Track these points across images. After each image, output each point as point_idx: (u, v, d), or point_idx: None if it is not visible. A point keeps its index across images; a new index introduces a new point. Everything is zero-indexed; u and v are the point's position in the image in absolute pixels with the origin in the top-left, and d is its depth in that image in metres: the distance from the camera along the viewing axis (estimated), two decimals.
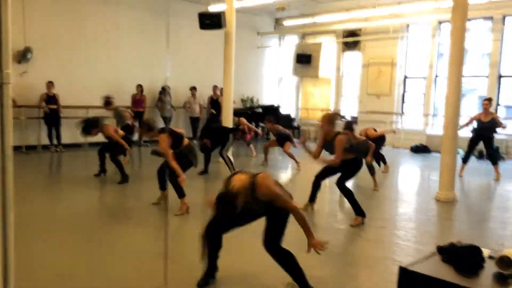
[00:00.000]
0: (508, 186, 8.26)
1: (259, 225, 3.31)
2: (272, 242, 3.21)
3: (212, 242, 3.30)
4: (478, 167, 10.33)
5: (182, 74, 13.15)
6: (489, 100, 8.70)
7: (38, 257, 4.05)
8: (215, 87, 13.20)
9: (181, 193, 5.51)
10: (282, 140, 9.42)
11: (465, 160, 8.82)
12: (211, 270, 3.41)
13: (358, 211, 5.41)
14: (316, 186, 5.90)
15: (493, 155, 8.59)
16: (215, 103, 13.20)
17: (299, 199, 6.13)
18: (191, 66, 13.41)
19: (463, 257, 1.57)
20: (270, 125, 9.53)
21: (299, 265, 3.24)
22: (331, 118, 5.47)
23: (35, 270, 3.74)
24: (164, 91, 12.50)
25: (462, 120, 7.96)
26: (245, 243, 4.16)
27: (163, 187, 5.77)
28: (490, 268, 1.60)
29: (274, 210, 3.19)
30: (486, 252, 1.69)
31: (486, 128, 8.56)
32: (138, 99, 12.13)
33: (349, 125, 7.48)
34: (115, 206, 6.30)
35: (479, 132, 8.67)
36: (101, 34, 11.75)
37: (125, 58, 12.15)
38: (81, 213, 5.63)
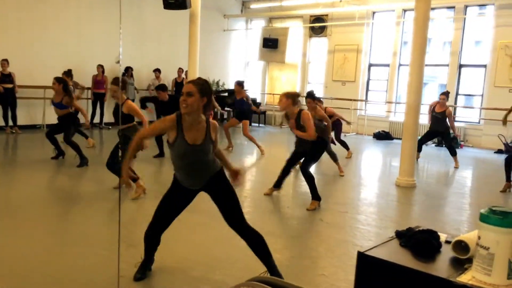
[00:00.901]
0: (465, 173, 8.54)
1: (197, 219, 3.24)
2: (237, 220, 3.15)
3: (152, 239, 3.28)
4: (437, 154, 10.64)
5: (145, 56, 12.83)
6: (446, 94, 8.84)
7: None
8: (180, 70, 12.95)
9: (132, 178, 5.30)
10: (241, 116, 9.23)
11: (418, 148, 8.85)
12: (148, 262, 3.36)
13: (315, 195, 5.47)
14: (285, 171, 5.88)
15: (451, 147, 8.81)
16: (179, 86, 12.96)
17: (268, 184, 6.13)
18: (155, 48, 13.09)
19: (420, 242, 1.57)
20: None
21: (267, 245, 3.19)
22: (294, 97, 5.37)
23: None
24: (127, 72, 12.15)
25: (424, 108, 8.14)
26: (181, 236, 4.09)
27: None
28: (446, 253, 1.60)
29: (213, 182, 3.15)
30: (443, 236, 1.69)
31: (437, 119, 8.69)
32: (99, 80, 11.75)
33: (311, 94, 6.65)
34: (72, 191, 6.09)
35: (433, 126, 8.82)
36: (61, 11, 11.25)
37: (85, 37, 11.69)
38: (36, 198, 5.41)
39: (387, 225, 5.12)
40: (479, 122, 11.56)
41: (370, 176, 8.22)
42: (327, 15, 13.99)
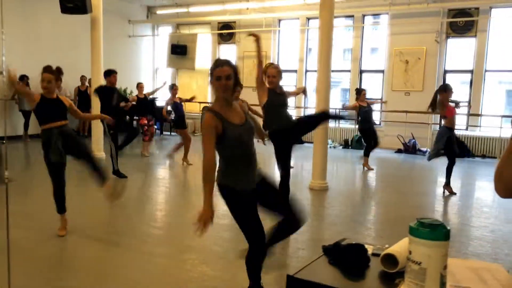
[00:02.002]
0: (371, 173, 9.01)
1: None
2: (285, 205, 3.04)
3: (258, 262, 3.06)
4: (344, 155, 11.15)
5: (42, 63, 11.77)
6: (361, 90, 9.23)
7: None
8: (83, 77, 12.19)
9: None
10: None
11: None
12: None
13: None
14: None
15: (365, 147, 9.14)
16: (83, 95, 12.20)
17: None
18: (53, 55, 12.15)
19: (348, 258, 1.52)
20: None
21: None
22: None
23: None
24: (22, 80, 11.13)
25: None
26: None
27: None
28: (375, 267, 1.57)
29: None
30: (370, 248, 1.67)
31: (365, 112, 8.94)
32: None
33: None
34: None
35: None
36: None
37: None
38: None
39: (304, 229, 5.13)
40: (380, 124, 12.31)
41: None
42: (235, 22, 14.07)
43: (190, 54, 14.53)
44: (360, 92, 9.11)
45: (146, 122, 10.13)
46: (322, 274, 1.49)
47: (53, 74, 4.62)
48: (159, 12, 14.90)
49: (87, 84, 12.09)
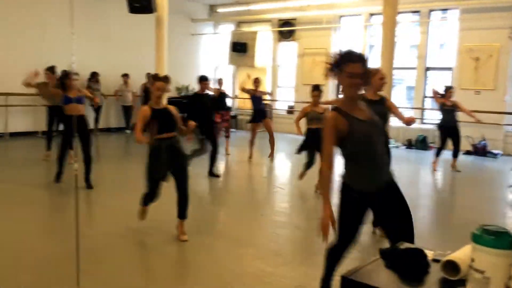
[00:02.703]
0: (437, 175, 8.64)
1: None
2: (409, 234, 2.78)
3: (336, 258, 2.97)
4: (407, 156, 10.77)
5: (112, 61, 12.48)
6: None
7: None
8: (148, 75, 12.67)
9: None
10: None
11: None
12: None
13: None
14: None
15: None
16: (148, 91, 12.68)
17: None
18: (122, 52, 12.74)
19: (407, 262, 1.47)
20: None
21: None
22: None
23: None
24: (93, 77, 11.79)
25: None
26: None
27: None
28: (435, 273, 1.51)
29: None
30: (430, 254, 1.60)
31: (447, 111, 8.47)
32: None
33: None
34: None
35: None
36: (20, 17, 10.79)
37: (48, 42, 11.24)
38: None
39: (363, 231, 5.07)
40: None
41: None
42: (295, 19, 14.01)
43: (250, 51, 14.65)
44: (448, 90, 8.61)
45: (219, 120, 9.50)
46: (377, 277, 1.45)
47: (166, 82, 4.44)
48: (220, 10, 15.15)
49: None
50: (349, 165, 2.73)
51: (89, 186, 6.07)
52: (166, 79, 4.47)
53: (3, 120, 10.59)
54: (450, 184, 8.04)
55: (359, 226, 2.76)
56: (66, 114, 6.07)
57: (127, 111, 12.74)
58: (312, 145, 6.15)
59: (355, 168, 2.71)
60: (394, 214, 2.76)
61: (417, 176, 8.71)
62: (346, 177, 2.75)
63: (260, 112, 8.86)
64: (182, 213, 4.40)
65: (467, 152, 10.94)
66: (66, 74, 6.12)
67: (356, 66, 2.61)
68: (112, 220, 5.01)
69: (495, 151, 10.63)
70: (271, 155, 8.77)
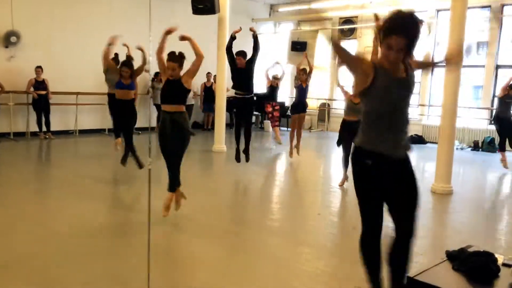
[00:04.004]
0: (507, 179, 8.16)
1: None
2: (410, 217, 2.55)
3: (369, 253, 2.72)
4: (473, 158, 10.25)
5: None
6: None
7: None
8: (208, 74, 12.96)
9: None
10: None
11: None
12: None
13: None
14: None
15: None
16: (208, 91, 12.97)
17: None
18: (186, 53, 13.08)
19: (477, 266, 1.42)
20: None
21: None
22: None
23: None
24: (156, 77, 12.24)
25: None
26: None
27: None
28: (505, 277, 1.45)
29: None
30: (500, 258, 1.54)
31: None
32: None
33: None
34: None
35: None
36: (92, 18, 11.43)
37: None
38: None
39: (424, 234, 4.91)
40: None
41: None
42: (357, 16, 13.75)
43: (309, 50, 14.57)
44: None
45: (270, 109, 10.72)
46: (444, 279, 1.41)
47: (176, 61, 4.94)
48: (281, 9, 15.18)
49: (212, 80, 12.82)
50: (366, 124, 2.58)
51: (140, 165, 6.69)
52: (175, 58, 4.90)
53: (73, 118, 11.25)
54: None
55: (378, 202, 2.54)
56: (117, 99, 6.68)
57: (187, 109, 13.10)
58: (347, 137, 5.84)
59: (372, 126, 2.57)
60: (400, 199, 2.54)
61: (482, 179, 8.26)
62: (360, 139, 2.60)
63: (302, 104, 8.95)
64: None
65: None
66: (125, 62, 6.96)
67: (397, 40, 2.41)
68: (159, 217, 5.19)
69: None
70: (297, 148, 8.90)
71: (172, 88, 4.77)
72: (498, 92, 9.09)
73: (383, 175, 2.52)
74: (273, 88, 11.13)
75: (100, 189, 6.22)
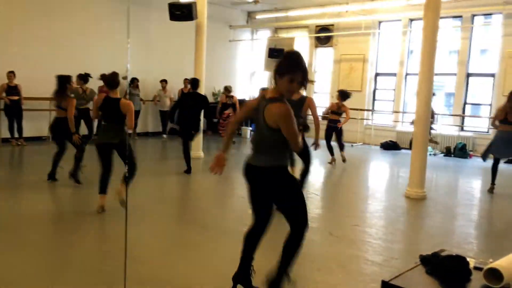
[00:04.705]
0: (475, 184, 8.40)
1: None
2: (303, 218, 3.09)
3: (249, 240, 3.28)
4: (445, 164, 10.50)
5: (151, 67, 12.81)
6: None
7: None
8: (186, 80, 12.92)
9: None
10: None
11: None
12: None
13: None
14: None
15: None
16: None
17: None
18: (161, 59, 13.08)
19: (448, 269, 1.47)
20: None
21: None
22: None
23: None
24: (133, 83, 12.14)
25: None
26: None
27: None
28: (477, 280, 1.50)
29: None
30: (471, 262, 1.59)
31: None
32: (105, 90, 11.68)
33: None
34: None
35: None
36: (66, 24, 11.27)
37: (89, 49, 11.67)
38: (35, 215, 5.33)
39: (399, 239, 5.01)
40: (487, 132, 11.41)
41: (379, 188, 8.10)
42: (333, 25, 13.96)
43: None
44: None
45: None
46: (418, 283, 1.45)
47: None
48: (258, 17, 15.29)
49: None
50: (283, 150, 3.07)
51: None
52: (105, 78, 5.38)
53: (46, 124, 10.96)
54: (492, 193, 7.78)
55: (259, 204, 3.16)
56: None
57: (164, 116, 13.03)
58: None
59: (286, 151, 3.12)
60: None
61: (454, 184, 8.48)
62: (281, 161, 3.08)
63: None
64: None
65: (509, 161, 10.55)
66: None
67: (296, 75, 2.84)
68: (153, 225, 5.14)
69: None
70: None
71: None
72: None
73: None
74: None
75: (69, 192, 6.11)
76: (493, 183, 7.26)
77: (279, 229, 3.23)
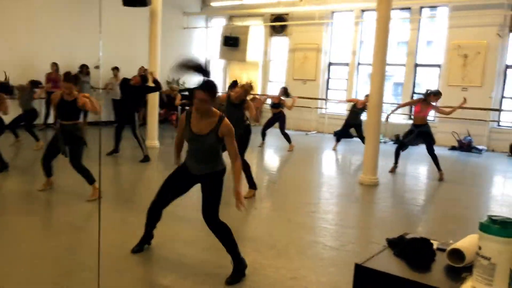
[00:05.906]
0: (422, 170, 8.80)
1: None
2: (210, 215, 3.44)
3: (153, 214, 3.73)
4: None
5: (104, 54, 12.36)
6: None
7: None
8: (141, 68, 12.61)
9: (90, 179, 5.36)
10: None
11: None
12: (147, 238, 3.86)
13: (251, 183, 5.79)
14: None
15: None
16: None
17: None
18: (114, 46, 12.65)
19: (414, 251, 1.56)
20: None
21: (234, 238, 3.48)
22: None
23: None
24: (82, 70, 11.72)
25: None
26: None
27: (49, 174, 5.62)
28: (440, 261, 1.60)
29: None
30: (434, 243, 1.69)
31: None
32: (52, 78, 11.22)
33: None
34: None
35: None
36: (14, 8, 10.67)
37: (39, 34, 11.13)
38: None
39: (355, 224, 5.20)
40: (434, 120, 11.95)
41: (334, 175, 8.32)
42: (287, 14, 14.05)
43: (241, 45, 14.65)
44: None
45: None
46: (388, 265, 1.53)
47: (71, 82, 5.25)
48: (213, 4, 15.13)
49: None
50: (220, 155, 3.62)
51: None
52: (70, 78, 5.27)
53: None
54: (437, 179, 8.20)
55: (174, 188, 3.66)
56: None
57: (116, 104, 12.68)
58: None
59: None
60: (205, 195, 3.50)
61: (403, 171, 8.86)
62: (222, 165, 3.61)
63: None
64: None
65: (453, 148, 11.16)
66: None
67: (198, 93, 3.51)
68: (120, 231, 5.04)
69: (480, 147, 10.87)
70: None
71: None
72: None
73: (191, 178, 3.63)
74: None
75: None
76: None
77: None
